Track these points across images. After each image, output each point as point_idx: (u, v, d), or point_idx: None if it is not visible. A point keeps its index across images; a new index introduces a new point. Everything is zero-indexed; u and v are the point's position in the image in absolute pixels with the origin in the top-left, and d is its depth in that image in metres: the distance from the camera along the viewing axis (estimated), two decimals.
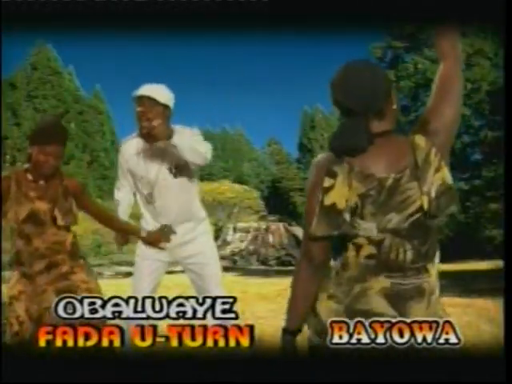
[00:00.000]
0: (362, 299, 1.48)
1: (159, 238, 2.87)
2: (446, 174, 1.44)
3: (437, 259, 1.53)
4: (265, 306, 6.54)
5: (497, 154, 12.51)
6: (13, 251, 2.66)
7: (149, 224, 2.99)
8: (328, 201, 1.45)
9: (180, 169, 2.89)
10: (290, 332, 1.55)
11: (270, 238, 23.34)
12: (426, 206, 1.43)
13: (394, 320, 1.46)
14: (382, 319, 1.46)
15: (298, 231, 23.51)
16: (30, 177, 2.61)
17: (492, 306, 5.35)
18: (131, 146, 2.97)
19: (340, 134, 1.49)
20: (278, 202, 37.57)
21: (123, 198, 3.05)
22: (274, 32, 3.32)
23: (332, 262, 1.56)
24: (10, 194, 2.58)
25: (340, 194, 1.45)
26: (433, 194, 1.42)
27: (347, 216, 1.45)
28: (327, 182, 1.47)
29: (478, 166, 14.51)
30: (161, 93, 2.83)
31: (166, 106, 2.83)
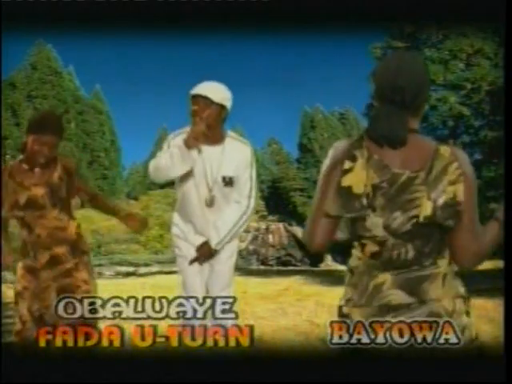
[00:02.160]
0: (378, 295, 1.48)
1: (135, 225, 2.89)
2: (461, 191, 1.44)
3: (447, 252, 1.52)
4: (265, 306, 6.53)
5: (497, 153, 12.50)
6: (18, 243, 2.69)
7: (179, 226, 2.90)
8: (345, 182, 1.46)
9: (229, 180, 2.82)
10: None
11: (270, 238, 23.30)
12: (428, 212, 1.43)
13: (393, 320, 1.46)
14: (400, 310, 1.46)
15: (298, 231, 23.49)
16: (25, 166, 2.66)
17: (492, 306, 5.34)
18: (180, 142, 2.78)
19: (383, 122, 1.49)
20: (278, 202, 37.55)
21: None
22: (273, 32, 3.33)
23: (345, 268, 1.60)
24: (4, 186, 2.62)
25: (358, 178, 1.46)
26: (439, 203, 1.43)
27: (364, 200, 1.46)
28: (347, 165, 1.47)
29: (478, 166, 14.50)
30: (216, 92, 2.72)
31: (221, 106, 2.74)
